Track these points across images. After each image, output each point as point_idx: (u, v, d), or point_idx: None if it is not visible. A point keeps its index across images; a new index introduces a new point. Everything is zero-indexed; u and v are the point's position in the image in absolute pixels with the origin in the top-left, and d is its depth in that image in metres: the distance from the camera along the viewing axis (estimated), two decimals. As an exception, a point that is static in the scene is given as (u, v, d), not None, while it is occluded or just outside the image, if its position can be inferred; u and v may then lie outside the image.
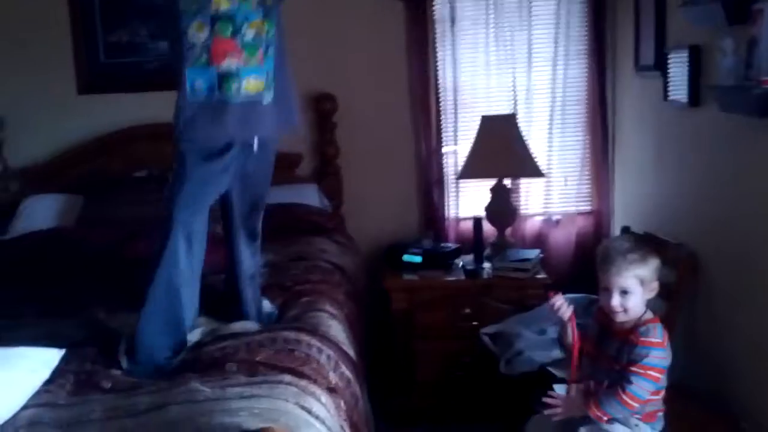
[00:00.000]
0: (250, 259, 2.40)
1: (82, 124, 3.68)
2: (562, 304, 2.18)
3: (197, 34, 2.12)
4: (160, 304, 2.14)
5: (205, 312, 2.34)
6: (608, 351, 2.15)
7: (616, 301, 2.09)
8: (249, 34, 2.14)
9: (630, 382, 2.03)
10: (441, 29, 3.65)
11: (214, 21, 2.12)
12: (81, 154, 3.66)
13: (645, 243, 2.24)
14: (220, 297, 2.46)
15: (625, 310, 2.09)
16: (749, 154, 2.30)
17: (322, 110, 3.66)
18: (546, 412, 2.20)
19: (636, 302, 2.10)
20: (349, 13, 3.67)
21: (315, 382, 1.90)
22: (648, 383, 2.04)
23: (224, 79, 2.13)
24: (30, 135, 3.65)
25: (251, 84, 2.16)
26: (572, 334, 2.17)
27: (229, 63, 2.12)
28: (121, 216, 3.23)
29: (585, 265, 3.47)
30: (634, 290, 2.08)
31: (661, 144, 3.06)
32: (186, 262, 2.16)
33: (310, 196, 3.58)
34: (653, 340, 2.06)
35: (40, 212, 3.32)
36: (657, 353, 2.05)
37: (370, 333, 3.13)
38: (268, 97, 2.21)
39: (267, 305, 2.49)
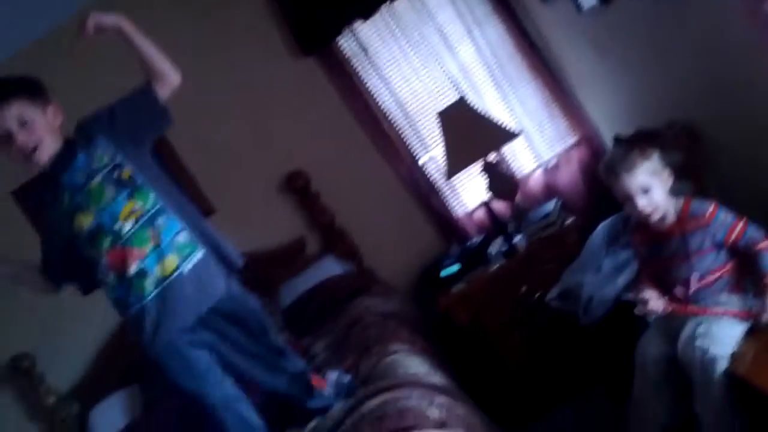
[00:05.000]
0: (272, 379, 2.30)
1: (105, 317, 3.71)
2: (652, 306, 2.21)
3: (98, 258, 2.04)
4: None
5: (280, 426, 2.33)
6: (673, 253, 2.18)
7: (642, 201, 2.11)
8: (126, 226, 2.00)
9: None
10: (358, 62, 3.71)
11: (92, 240, 2.02)
12: (114, 346, 3.69)
13: (636, 143, 2.28)
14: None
15: (655, 208, 2.11)
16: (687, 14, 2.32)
17: (298, 187, 3.71)
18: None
19: (660, 195, 2.12)
20: (275, 91, 3.74)
21: (421, 426, 1.89)
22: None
23: (133, 282, 2.01)
24: (64, 353, 3.70)
25: (166, 266, 2.01)
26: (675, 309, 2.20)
27: (131, 266, 1.99)
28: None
29: (601, 191, 3.47)
30: (652, 183, 2.11)
31: (599, 49, 3.09)
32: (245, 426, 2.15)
33: (331, 267, 3.61)
34: (710, 207, 2.11)
35: (109, 419, 3.33)
36: (724, 211, 2.11)
37: (450, 358, 3.14)
38: (190, 262, 2.05)
39: (340, 377, 2.43)
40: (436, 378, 2.31)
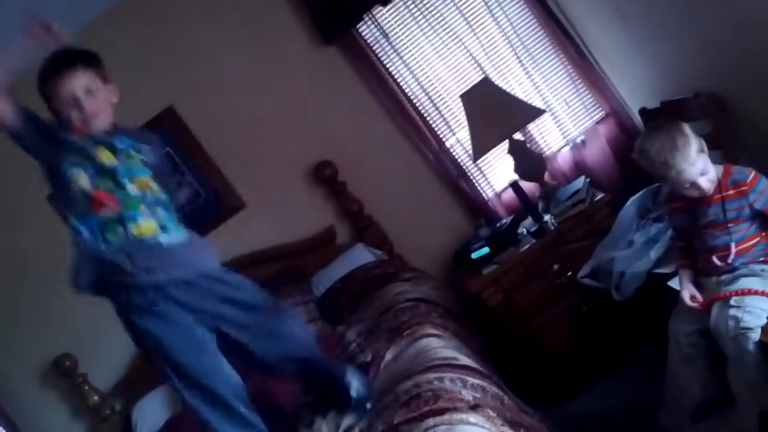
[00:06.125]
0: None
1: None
2: (695, 304, 2.22)
3: (78, 184, 2.10)
4: None
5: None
6: (710, 221, 2.18)
7: (706, 184, 2.12)
8: (131, 189, 2.11)
9: None
10: (379, 47, 3.70)
11: (97, 174, 2.10)
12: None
13: (661, 119, 2.26)
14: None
15: (714, 183, 2.13)
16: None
17: (325, 177, 3.72)
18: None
19: (711, 167, 2.14)
20: (298, 82, 3.76)
21: (455, 409, 1.90)
22: None
23: (107, 225, 2.08)
24: (105, 352, 3.77)
25: (144, 225, 2.10)
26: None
27: (107, 211, 2.08)
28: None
29: (631, 166, 3.43)
30: (706, 163, 2.12)
31: (623, 19, 3.04)
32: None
33: (361, 255, 3.63)
34: (751, 175, 2.12)
35: (151, 412, 3.40)
36: (764, 179, 2.12)
37: (487, 339, 3.14)
38: (168, 239, 2.13)
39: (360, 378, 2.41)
40: (469, 360, 2.32)
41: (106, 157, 2.11)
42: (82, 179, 2.10)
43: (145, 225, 2.10)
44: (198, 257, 2.22)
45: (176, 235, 2.17)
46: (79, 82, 2.11)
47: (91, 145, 2.12)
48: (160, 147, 2.30)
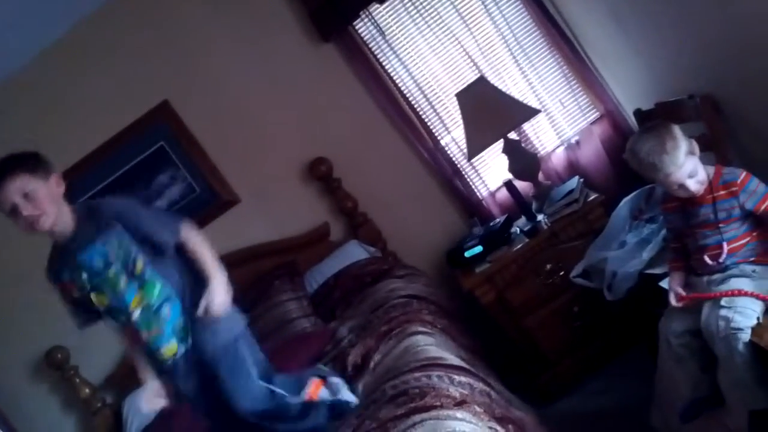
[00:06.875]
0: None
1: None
2: (680, 303, 2.24)
3: (118, 327, 2.25)
4: None
5: None
6: (702, 221, 2.20)
7: (694, 186, 2.14)
8: (135, 313, 2.17)
9: None
10: (376, 45, 3.70)
11: (110, 314, 2.21)
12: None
13: (653, 121, 2.27)
14: None
15: (703, 184, 2.15)
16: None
17: (320, 173, 3.72)
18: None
19: (702, 171, 2.15)
20: (295, 79, 3.76)
21: (441, 406, 1.91)
22: None
23: (150, 350, 2.22)
24: (97, 345, 3.76)
25: (167, 349, 2.20)
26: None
27: (144, 342, 2.20)
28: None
29: (624, 166, 3.43)
30: (695, 165, 2.13)
31: (618, 20, 3.05)
32: None
33: (355, 252, 3.63)
34: (742, 175, 2.13)
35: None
36: (755, 179, 2.13)
37: (482, 338, 3.15)
38: (182, 348, 2.23)
39: (341, 388, 2.42)
40: (457, 358, 2.32)
41: (102, 301, 2.18)
42: (109, 320, 2.25)
43: (168, 348, 2.20)
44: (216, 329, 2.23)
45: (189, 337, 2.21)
46: (14, 188, 2.09)
47: (89, 296, 2.18)
48: (127, 208, 2.22)
